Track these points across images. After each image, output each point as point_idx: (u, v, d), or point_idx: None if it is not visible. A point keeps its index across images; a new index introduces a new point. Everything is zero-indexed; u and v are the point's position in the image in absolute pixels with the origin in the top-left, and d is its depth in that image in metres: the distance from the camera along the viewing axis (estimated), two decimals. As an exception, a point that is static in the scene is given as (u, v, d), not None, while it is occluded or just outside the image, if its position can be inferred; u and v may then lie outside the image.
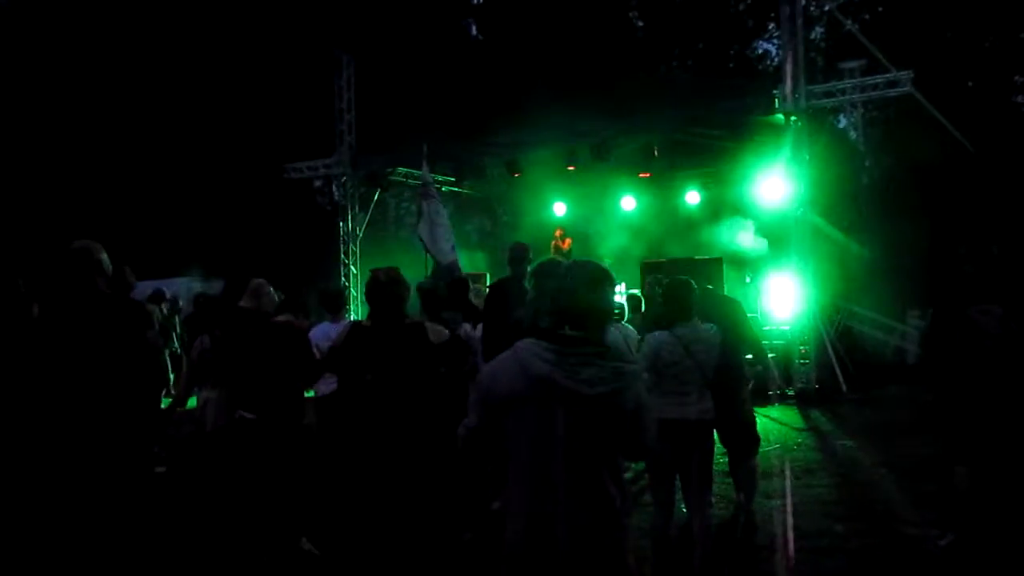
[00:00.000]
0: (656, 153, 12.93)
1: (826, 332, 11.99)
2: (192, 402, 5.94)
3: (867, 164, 19.25)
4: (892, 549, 5.19)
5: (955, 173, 16.66)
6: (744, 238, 14.10)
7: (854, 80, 12.58)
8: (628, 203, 16.16)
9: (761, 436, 6.17)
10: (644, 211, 16.17)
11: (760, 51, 26.89)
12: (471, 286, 7.25)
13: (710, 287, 5.56)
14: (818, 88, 12.25)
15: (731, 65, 25.89)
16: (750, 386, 5.98)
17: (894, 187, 19.07)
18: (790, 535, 5.57)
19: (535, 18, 24.51)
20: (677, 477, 4.47)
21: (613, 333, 4.61)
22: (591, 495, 2.32)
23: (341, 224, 16.37)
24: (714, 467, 4.77)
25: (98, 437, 3.57)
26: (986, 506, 4.85)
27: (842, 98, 12.59)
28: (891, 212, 17.18)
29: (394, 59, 21.17)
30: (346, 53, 16.20)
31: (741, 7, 26.33)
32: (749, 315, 6.90)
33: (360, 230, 16.30)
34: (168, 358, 10.67)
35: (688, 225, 15.37)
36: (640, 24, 27.42)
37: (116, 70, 21.34)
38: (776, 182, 12.55)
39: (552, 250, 14.24)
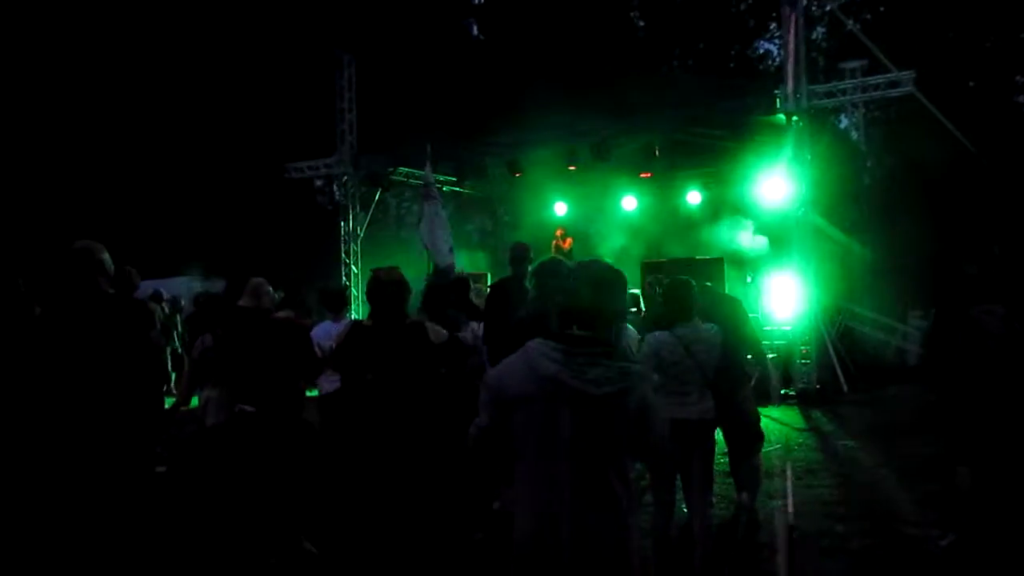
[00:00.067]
0: (657, 153, 12.92)
1: (827, 332, 11.98)
2: (194, 401, 5.94)
3: (868, 164, 19.24)
4: (893, 549, 5.18)
5: (956, 173, 16.65)
6: (746, 238, 14.10)
7: (855, 80, 12.58)
8: (629, 203, 16.15)
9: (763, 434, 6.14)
10: (645, 211, 16.17)
11: (761, 51, 26.92)
12: (472, 286, 7.25)
13: (709, 284, 5.54)
14: (819, 88, 12.24)
15: (732, 65, 25.88)
16: (752, 383, 5.95)
17: (895, 187, 19.07)
18: (791, 535, 5.56)
19: (536, 18, 24.51)
20: (678, 477, 4.47)
21: (631, 332, 4.59)
22: (597, 495, 2.32)
23: (342, 224, 16.37)
24: (715, 467, 4.77)
25: (100, 437, 3.57)
26: (988, 506, 4.85)
27: (843, 98, 12.58)
28: (892, 212, 17.18)
29: (395, 59, 21.17)
30: (347, 53, 16.20)
31: (742, 7, 26.32)
32: (750, 315, 6.90)
33: (361, 230, 16.30)
34: (169, 357, 10.68)
35: (689, 225, 15.37)
36: (641, 24, 27.43)
37: (116, 70, 21.34)
38: (777, 182, 12.54)
39: (553, 250, 14.23)
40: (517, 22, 25.34)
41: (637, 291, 9.56)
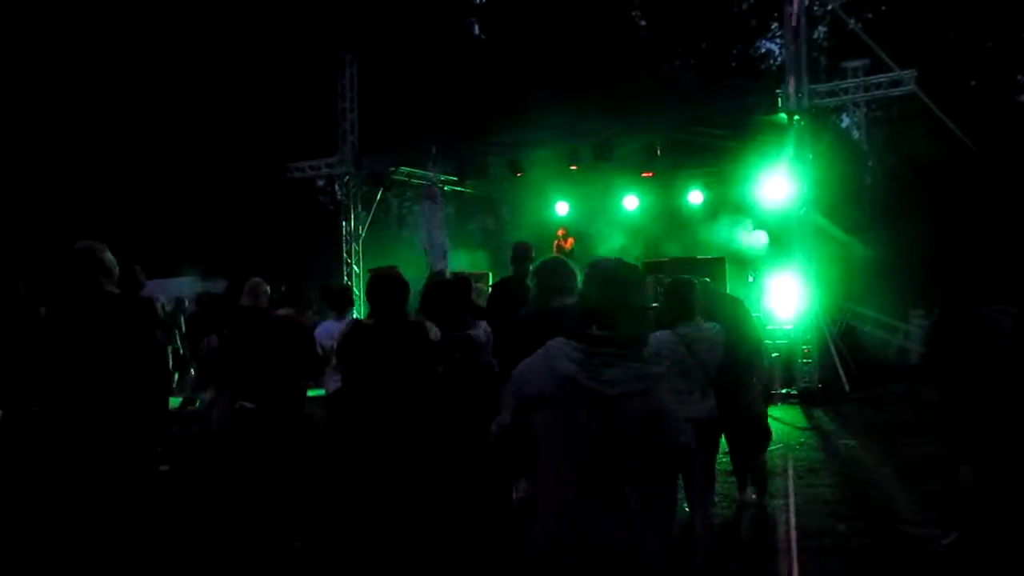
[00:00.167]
0: (659, 152, 12.91)
1: (829, 332, 11.98)
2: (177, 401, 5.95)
3: (870, 164, 19.24)
4: (895, 548, 5.19)
5: (958, 172, 16.64)
6: (749, 237, 14.09)
7: (857, 79, 12.58)
8: (630, 202, 16.14)
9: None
10: (646, 210, 16.15)
11: (763, 50, 26.92)
12: (473, 285, 7.26)
13: (707, 279, 5.53)
14: (821, 87, 12.24)
15: (734, 64, 25.88)
16: (755, 380, 5.91)
17: (897, 187, 19.05)
18: (793, 534, 5.56)
19: (537, 18, 24.51)
20: (680, 476, 4.47)
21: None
22: (612, 497, 2.31)
23: (344, 223, 16.37)
24: (716, 466, 4.78)
25: (105, 435, 3.57)
26: (989, 505, 4.85)
27: (845, 97, 12.59)
28: (894, 212, 17.17)
29: (397, 58, 21.18)
30: (349, 52, 16.20)
31: (744, 6, 26.32)
32: (752, 314, 6.90)
33: (363, 230, 16.30)
34: (171, 356, 10.70)
35: (690, 225, 15.35)
36: (643, 24, 27.42)
37: (118, 70, 21.36)
38: (779, 182, 12.53)
39: (554, 249, 14.23)
40: (518, 22, 25.34)
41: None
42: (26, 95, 20.12)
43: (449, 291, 5.34)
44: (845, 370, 11.81)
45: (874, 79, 12.11)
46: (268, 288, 5.77)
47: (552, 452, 2.39)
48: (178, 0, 22.27)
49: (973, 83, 21.52)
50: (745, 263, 13.93)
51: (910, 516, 5.77)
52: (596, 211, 16.65)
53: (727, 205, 14.99)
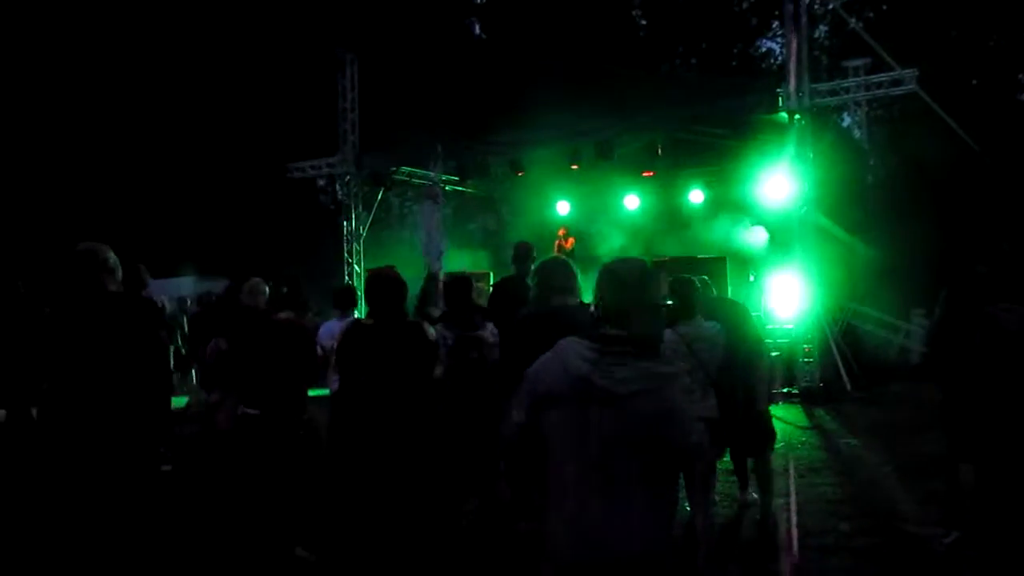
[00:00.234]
0: (659, 152, 12.91)
1: (830, 331, 11.97)
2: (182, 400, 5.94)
3: (871, 163, 19.22)
4: (897, 547, 5.18)
5: (959, 172, 16.62)
6: (748, 233, 14.09)
7: (858, 78, 12.57)
8: (631, 202, 16.14)
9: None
10: (647, 210, 16.15)
11: (764, 49, 26.90)
12: (473, 285, 7.25)
13: (706, 278, 5.52)
14: (822, 86, 12.23)
15: (734, 64, 25.86)
16: (756, 380, 5.87)
17: (898, 186, 19.04)
18: (794, 533, 5.56)
19: (538, 17, 24.51)
20: (681, 475, 4.46)
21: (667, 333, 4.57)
22: (626, 496, 2.30)
23: (344, 223, 16.37)
24: (717, 465, 4.77)
25: (109, 435, 3.57)
26: (991, 504, 4.84)
27: (846, 96, 12.57)
28: (895, 211, 17.15)
29: (397, 58, 21.17)
30: (349, 52, 16.20)
31: (744, 5, 26.31)
32: (753, 313, 6.89)
33: (363, 229, 16.30)
34: (172, 356, 10.71)
35: (691, 224, 15.35)
36: (643, 23, 27.41)
37: (118, 70, 21.37)
38: (780, 181, 12.52)
39: (555, 249, 14.23)
40: (519, 21, 25.34)
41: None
42: (27, 95, 20.13)
43: (464, 290, 5.29)
44: (846, 369, 11.80)
45: (875, 78, 12.10)
46: (267, 289, 5.77)
47: (564, 451, 2.39)
48: (179, 0, 22.28)
49: (975, 82, 21.49)
50: (746, 262, 13.93)
51: (912, 515, 5.76)
52: (597, 210, 16.64)
53: (728, 204, 14.98)
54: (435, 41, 23.67)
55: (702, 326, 4.64)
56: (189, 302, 13.08)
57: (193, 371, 11.45)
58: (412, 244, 13.76)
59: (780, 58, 22.82)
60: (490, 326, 5.54)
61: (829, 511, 5.95)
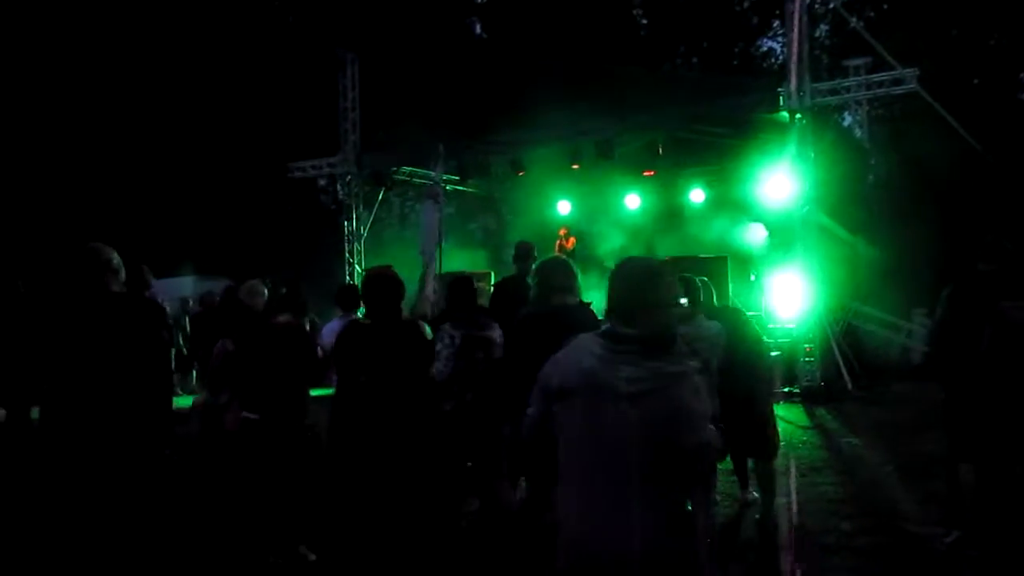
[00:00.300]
0: (660, 151, 12.89)
1: (831, 330, 11.97)
2: (188, 400, 5.93)
3: (872, 162, 19.20)
4: (898, 547, 5.18)
5: (961, 171, 16.60)
6: (747, 231, 14.09)
7: (859, 78, 12.55)
8: (632, 201, 16.13)
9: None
10: (648, 209, 16.14)
11: (765, 49, 26.85)
12: (475, 284, 7.24)
13: (706, 279, 5.52)
14: (823, 86, 12.22)
15: (735, 63, 25.83)
16: (759, 382, 5.85)
17: (899, 185, 19.02)
18: (795, 532, 5.56)
19: (539, 16, 24.50)
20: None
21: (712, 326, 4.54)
22: (631, 496, 2.30)
23: (345, 223, 16.38)
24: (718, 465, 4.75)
25: (113, 436, 3.57)
26: (992, 503, 4.84)
27: (847, 96, 12.57)
28: (896, 210, 17.14)
29: (398, 58, 21.17)
30: (350, 52, 16.20)
31: (745, 4, 26.28)
32: (753, 313, 6.90)
33: (364, 229, 16.31)
34: (173, 356, 10.71)
35: (692, 223, 15.34)
36: (644, 22, 27.40)
37: (119, 70, 21.37)
38: (781, 180, 12.52)
39: (556, 248, 14.22)
40: (520, 21, 25.33)
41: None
42: (27, 95, 20.13)
43: (469, 290, 5.26)
44: (848, 369, 11.80)
45: (876, 77, 12.09)
46: (265, 290, 5.77)
47: (573, 447, 2.40)
48: (180, 0, 22.28)
49: (976, 81, 21.47)
50: (747, 262, 13.92)
51: (913, 515, 5.76)
52: (598, 210, 16.63)
53: (729, 204, 14.97)
54: (436, 41, 23.66)
55: (703, 326, 4.63)
56: (191, 302, 13.07)
57: (194, 371, 11.46)
58: (413, 244, 13.72)
59: (781, 57, 22.79)
60: (496, 327, 5.53)
61: (830, 510, 5.95)
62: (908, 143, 18.04)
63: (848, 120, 19.16)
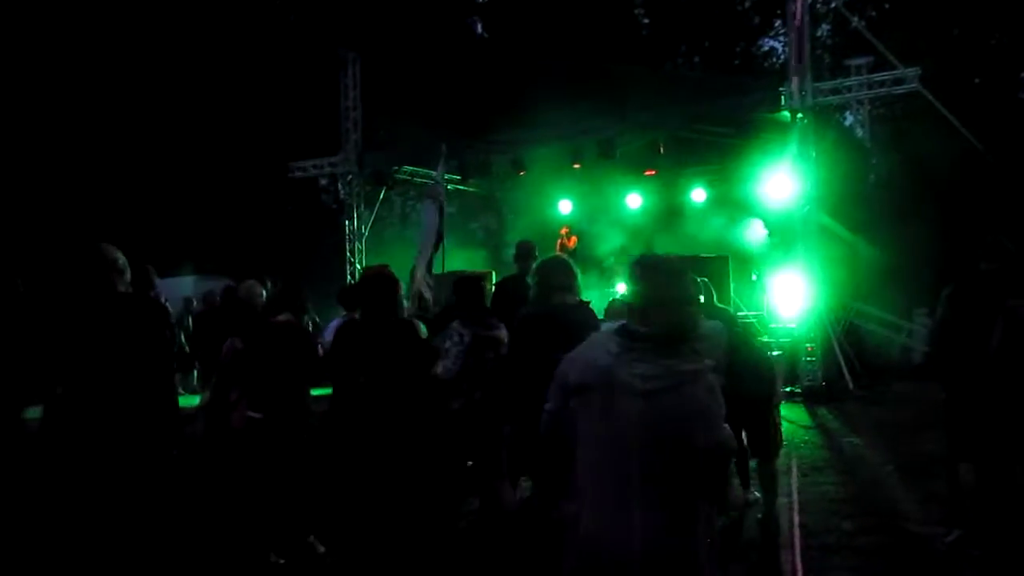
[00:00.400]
0: (662, 150, 12.90)
1: (833, 330, 11.96)
2: (195, 400, 5.93)
3: (874, 161, 19.18)
4: (899, 546, 5.18)
5: (962, 170, 16.58)
6: (747, 230, 14.09)
7: (861, 77, 12.54)
8: (633, 201, 16.14)
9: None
10: (649, 209, 16.15)
11: (766, 48, 26.81)
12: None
13: (706, 279, 5.50)
14: (824, 85, 12.22)
15: (737, 62, 25.80)
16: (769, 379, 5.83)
17: (901, 184, 18.99)
18: (797, 532, 5.55)
19: (540, 16, 24.49)
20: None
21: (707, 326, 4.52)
22: (633, 496, 2.30)
23: (346, 223, 16.39)
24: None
25: (121, 437, 3.57)
26: (993, 502, 4.83)
27: (848, 95, 12.57)
28: (897, 209, 17.11)
29: (400, 57, 21.17)
30: (351, 51, 16.21)
31: (747, 4, 26.25)
32: (754, 312, 6.89)
33: (365, 228, 16.32)
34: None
35: (694, 223, 15.34)
36: (646, 21, 27.38)
37: (120, 69, 21.38)
38: (782, 179, 12.52)
39: (557, 247, 14.22)
40: (521, 20, 25.32)
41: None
42: (28, 95, 20.14)
43: (477, 289, 5.23)
44: (849, 368, 11.80)
45: (877, 77, 12.09)
46: (264, 291, 5.77)
47: (587, 443, 2.41)
48: (181, 0, 22.29)
49: (977, 80, 21.44)
50: (749, 261, 13.92)
51: (914, 514, 5.76)
52: (599, 209, 16.63)
53: (730, 203, 14.98)
54: (437, 40, 23.66)
55: (704, 325, 4.61)
56: (195, 302, 13.08)
57: (195, 371, 11.46)
58: (414, 244, 13.72)
59: (782, 57, 22.77)
60: (503, 327, 5.53)
61: (832, 510, 5.95)
62: (909, 143, 18.02)
63: (849, 120, 19.15)
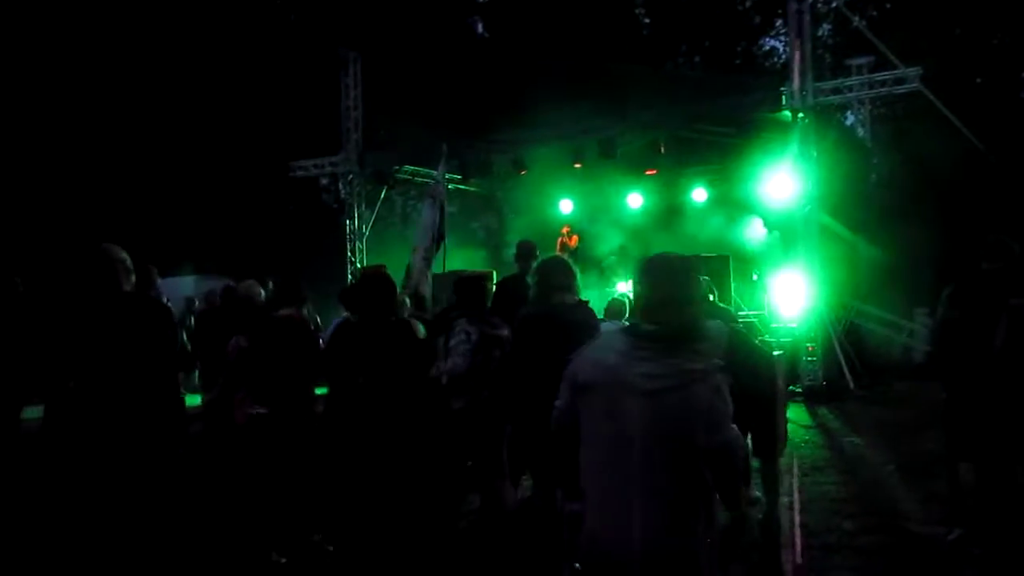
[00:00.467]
0: (663, 150, 12.90)
1: (833, 329, 11.96)
2: (197, 399, 5.93)
3: (875, 161, 19.17)
4: (900, 546, 5.17)
5: (964, 170, 16.57)
6: (747, 229, 14.09)
7: (862, 77, 12.54)
8: (634, 200, 16.14)
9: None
10: (650, 208, 16.15)
11: (767, 48, 26.79)
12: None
13: (707, 278, 5.51)
14: (826, 85, 12.22)
15: (738, 62, 25.79)
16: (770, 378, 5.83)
17: (902, 184, 18.98)
18: (798, 531, 5.55)
19: (541, 15, 24.49)
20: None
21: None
22: (635, 495, 2.29)
23: (347, 222, 16.39)
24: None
25: (127, 436, 3.57)
26: (993, 502, 4.83)
27: (850, 95, 12.56)
28: (898, 209, 17.10)
29: (400, 57, 21.17)
30: (352, 51, 16.21)
31: (748, 3, 26.24)
32: (755, 312, 6.89)
33: (366, 228, 16.32)
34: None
35: (694, 222, 15.34)
36: (647, 21, 27.37)
37: (120, 69, 21.38)
38: (783, 179, 12.52)
39: (558, 247, 14.22)
40: (522, 20, 25.32)
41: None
42: (28, 95, 20.15)
43: (480, 289, 5.22)
44: (850, 368, 11.79)
45: (879, 76, 12.08)
46: (262, 291, 5.78)
47: (591, 445, 2.41)
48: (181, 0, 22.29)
49: (978, 80, 21.43)
50: (749, 261, 13.91)
51: (915, 513, 5.76)
52: (600, 209, 16.63)
53: (731, 203, 14.98)
54: (438, 40, 23.67)
55: (705, 324, 4.61)
56: (197, 301, 13.08)
57: (196, 371, 11.45)
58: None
59: (783, 56, 22.79)
60: (507, 326, 5.53)
61: (832, 509, 5.95)
62: (911, 142, 18.01)
63: (850, 119, 19.14)
